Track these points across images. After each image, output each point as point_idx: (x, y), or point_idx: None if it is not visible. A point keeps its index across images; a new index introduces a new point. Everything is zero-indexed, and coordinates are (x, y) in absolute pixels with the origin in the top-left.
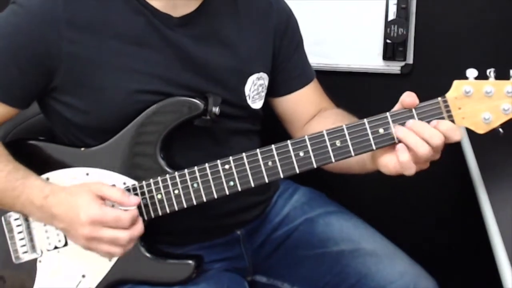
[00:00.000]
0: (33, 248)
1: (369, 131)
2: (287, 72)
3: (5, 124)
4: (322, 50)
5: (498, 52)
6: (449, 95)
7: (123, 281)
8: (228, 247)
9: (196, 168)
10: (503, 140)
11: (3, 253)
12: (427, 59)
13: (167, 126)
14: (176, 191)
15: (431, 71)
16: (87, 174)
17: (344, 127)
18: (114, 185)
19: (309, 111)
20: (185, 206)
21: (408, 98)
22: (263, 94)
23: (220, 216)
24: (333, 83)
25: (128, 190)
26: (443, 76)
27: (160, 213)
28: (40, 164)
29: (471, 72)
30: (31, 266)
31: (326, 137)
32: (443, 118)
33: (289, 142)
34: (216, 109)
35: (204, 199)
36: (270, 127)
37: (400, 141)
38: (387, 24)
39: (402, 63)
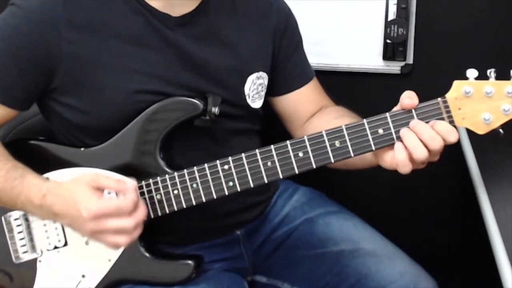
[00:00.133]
0: (33, 248)
1: (368, 132)
2: (287, 72)
3: (5, 124)
4: (322, 50)
5: (498, 52)
6: (449, 95)
7: (123, 281)
8: (228, 247)
9: (195, 168)
10: (503, 140)
11: (3, 253)
12: (427, 59)
13: (166, 126)
14: (176, 192)
15: (431, 71)
16: None
17: (344, 127)
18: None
19: (309, 109)
20: (184, 206)
21: (407, 99)
22: (263, 93)
23: (220, 216)
24: (333, 83)
25: None
26: (443, 76)
27: (159, 214)
28: (40, 164)
29: (471, 73)
30: (31, 266)
31: (325, 138)
32: (442, 118)
33: (288, 142)
34: (215, 109)
35: (204, 199)
36: (270, 127)
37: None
38: (387, 24)
39: (402, 63)
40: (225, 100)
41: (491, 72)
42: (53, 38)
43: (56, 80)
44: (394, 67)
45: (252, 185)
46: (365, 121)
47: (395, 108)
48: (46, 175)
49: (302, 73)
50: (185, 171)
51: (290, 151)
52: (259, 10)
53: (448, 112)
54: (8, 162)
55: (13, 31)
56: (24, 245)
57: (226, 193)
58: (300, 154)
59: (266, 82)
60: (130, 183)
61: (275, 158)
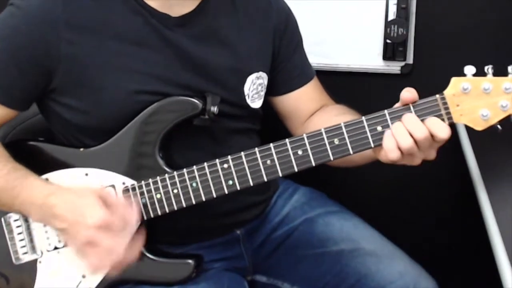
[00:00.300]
0: (33, 249)
1: (367, 129)
2: (287, 72)
3: (4, 124)
4: (322, 50)
5: (498, 52)
6: (447, 92)
7: (123, 281)
8: (228, 247)
9: (195, 167)
10: (503, 140)
11: (3, 254)
12: (427, 59)
13: (166, 125)
14: (175, 191)
15: (431, 71)
16: (86, 174)
17: (342, 125)
18: (113, 186)
19: (310, 108)
20: (184, 205)
21: (407, 93)
22: (263, 93)
23: (220, 215)
24: (333, 83)
25: (127, 190)
26: (443, 76)
27: (159, 213)
28: (39, 164)
29: (469, 69)
30: (31, 266)
31: (324, 135)
32: (441, 115)
33: (287, 140)
34: (214, 109)
35: (203, 199)
36: (270, 126)
37: None
38: (387, 24)
39: (402, 63)
40: (225, 100)
41: (488, 69)
42: (53, 38)
43: (55, 80)
44: (394, 67)
45: (251, 184)
46: (363, 118)
47: (395, 106)
48: (45, 175)
49: (302, 73)
50: (185, 170)
51: (289, 149)
52: (259, 10)
53: (446, 108)
54: (9, 163)
55: (13, 31)
56: (24, 246)
57: (226, 192)
58: (299, 152)
59: (265, 82)
60: (135, 207)
61: (274, 156)
